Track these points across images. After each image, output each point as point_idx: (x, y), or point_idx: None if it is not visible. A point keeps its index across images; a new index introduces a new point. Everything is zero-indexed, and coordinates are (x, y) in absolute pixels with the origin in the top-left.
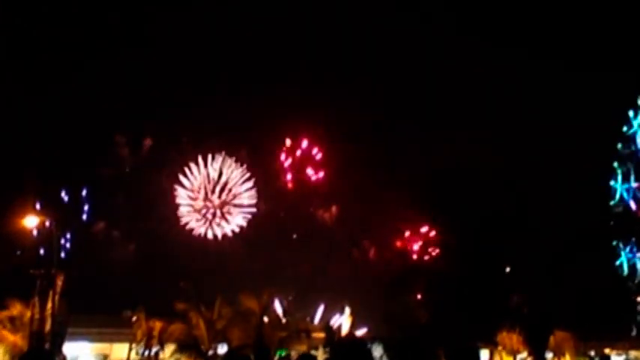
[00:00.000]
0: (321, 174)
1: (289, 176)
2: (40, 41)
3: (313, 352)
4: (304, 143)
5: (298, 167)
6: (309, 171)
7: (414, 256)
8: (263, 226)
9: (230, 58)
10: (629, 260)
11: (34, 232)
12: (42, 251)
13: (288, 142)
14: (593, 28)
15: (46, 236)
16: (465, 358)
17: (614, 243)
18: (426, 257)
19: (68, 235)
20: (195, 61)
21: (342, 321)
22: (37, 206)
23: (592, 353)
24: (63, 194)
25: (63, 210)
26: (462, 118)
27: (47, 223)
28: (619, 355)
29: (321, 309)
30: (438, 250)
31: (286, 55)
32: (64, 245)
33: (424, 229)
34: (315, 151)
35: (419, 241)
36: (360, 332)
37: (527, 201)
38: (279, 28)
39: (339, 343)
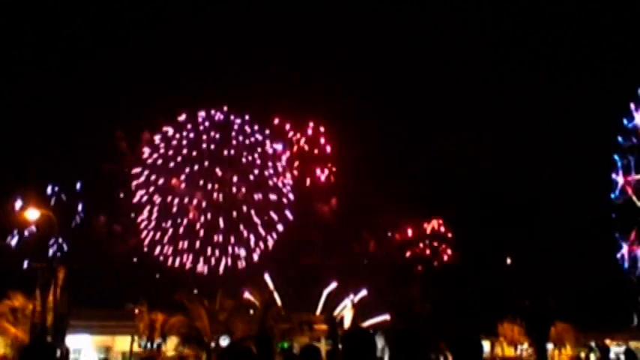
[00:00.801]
0: (327, 170)
1: (287, 172)
2: (41, 39)
3: (315, 343)
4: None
5: (300, 160)
6: (318, 171)
7: (416, 249)
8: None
9: (231, 55)
10: (629, 252)
11: (34, 227)
12: (43, 244)
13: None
14: (593, 23)
15: (48, 229)
16: (468, 349)
17: (616, 235)
18: (428, 251)
19: (70, 230)
20: (192, 55)
21: (345, 313)
22: (40, 199)
23: (592, 344)
24: (63, 189)
25: (64, 204)
26: (464, 114)
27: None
28: (619, 345)
29: (322, 301)
30: (440, 244)
31: (290, 50)
32: (66, 239)
33: (426, 223)
34: (322, 140)
35: (420, 235)
36: (375, 320)
37: (529, 194)
38: (284, 21)
39: (347, 333)
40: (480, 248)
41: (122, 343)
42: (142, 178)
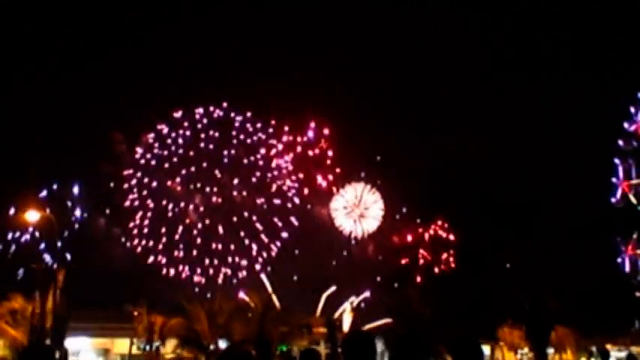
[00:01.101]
0: (330, 175)
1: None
2: (41, 39)
3: (314, 346)
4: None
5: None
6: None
7: (416, 252)
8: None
9: (231, 55)
10: (630, 257)
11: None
12: (43, 246)
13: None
14: (593, 25)
15: (47, 231)
16: (467, 351)
17: (616, 240)
18: (427, 254)
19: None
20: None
21: (344, 317)
22: (38, 201)
23: (593, 349)
24: (61, 191)
25: (64, 205)
26: (464, 115)
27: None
28: (620, 350)
29: (321, 304)
30: (440, 246)
31: (290, 50)
32: (66, 241)
33: (424, 228)
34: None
35: (420, 238)
36: (375, 324)
37: (530, 198)
38: (284, 21)
39: (348, 336)
40: (479, 250)
41: (121, 345)
42: (134, 181)
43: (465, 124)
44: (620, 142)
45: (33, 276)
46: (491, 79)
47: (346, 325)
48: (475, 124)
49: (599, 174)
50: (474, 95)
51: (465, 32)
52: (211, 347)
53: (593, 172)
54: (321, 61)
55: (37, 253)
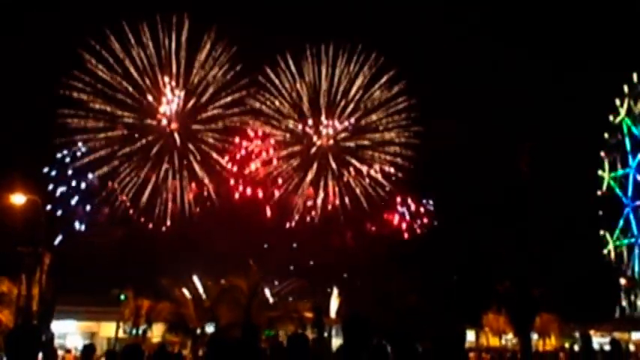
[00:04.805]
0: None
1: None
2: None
3: (300, 331)
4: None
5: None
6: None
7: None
8: (241, 211)
9: None
10: (615, 247)
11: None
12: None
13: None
14: (579, 21)
15: (33, 214)
16: (448, 344)
17: (602, 232)
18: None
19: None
20: None
21: (331, 302)
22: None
23: (577, 335)
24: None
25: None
26: (454, 108)
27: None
28: (603, 336)
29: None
30: (424, 232)
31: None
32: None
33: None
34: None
35: (403, 223)
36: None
37: (516, 187)
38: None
39: (348, 319)
40: (466, 239)
41: (107, 329)
42: None
43: (454, 116)
44: (606, 135)
45: (19, 259)
46: (479, 73)
47: (333, 311)
48: (463, 117)
49: (585, 165)
50: (464, 87)
51: (452, 29)
52: (198, 331)
53: (580, 163)
54: None
55: (22, 236)
